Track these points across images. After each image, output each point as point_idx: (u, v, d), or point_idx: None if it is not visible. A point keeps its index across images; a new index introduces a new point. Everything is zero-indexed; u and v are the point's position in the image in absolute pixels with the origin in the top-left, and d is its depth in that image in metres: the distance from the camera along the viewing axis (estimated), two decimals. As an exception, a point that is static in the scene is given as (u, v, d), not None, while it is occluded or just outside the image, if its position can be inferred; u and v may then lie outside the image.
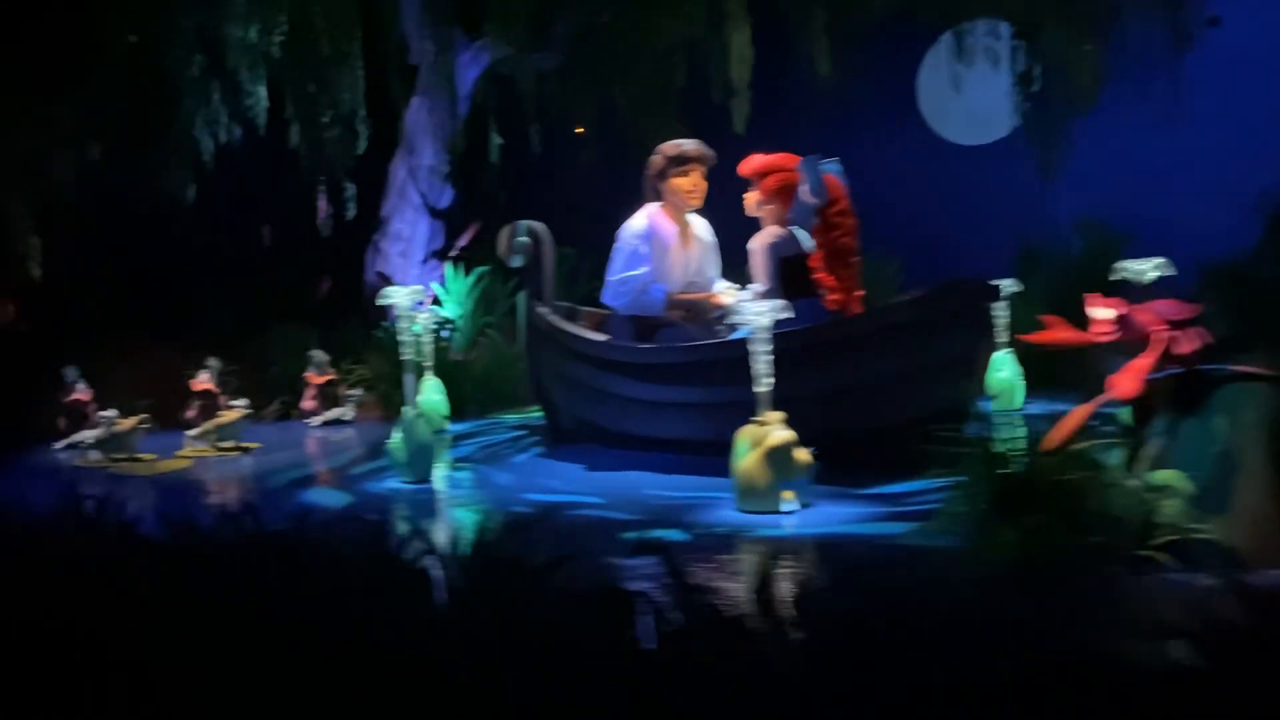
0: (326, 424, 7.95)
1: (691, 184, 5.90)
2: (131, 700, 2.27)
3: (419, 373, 5.94)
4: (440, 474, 5.73)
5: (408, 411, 5.57)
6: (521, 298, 6.83)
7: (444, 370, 7.43)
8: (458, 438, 7.00)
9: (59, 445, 7.29)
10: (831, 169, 5.60)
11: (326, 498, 5.63)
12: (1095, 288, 8.70)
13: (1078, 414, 3.36)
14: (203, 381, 7.88)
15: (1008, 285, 6.58)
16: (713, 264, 6.26)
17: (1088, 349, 3.66)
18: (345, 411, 8.02)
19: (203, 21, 8.21)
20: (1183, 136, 8.77)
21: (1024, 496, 3.29)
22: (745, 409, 5.30)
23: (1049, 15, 7.34)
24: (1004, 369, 6.84)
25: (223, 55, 8.20)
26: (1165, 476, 3.31)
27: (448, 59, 8.53)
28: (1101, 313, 3.50)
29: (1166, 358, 3.46)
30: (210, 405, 7.79)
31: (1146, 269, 5.08)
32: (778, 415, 4.53)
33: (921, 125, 10.20)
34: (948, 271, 6.74)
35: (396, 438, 5.54)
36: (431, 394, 7.28)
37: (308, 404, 8.19)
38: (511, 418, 7.78)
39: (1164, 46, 7.23)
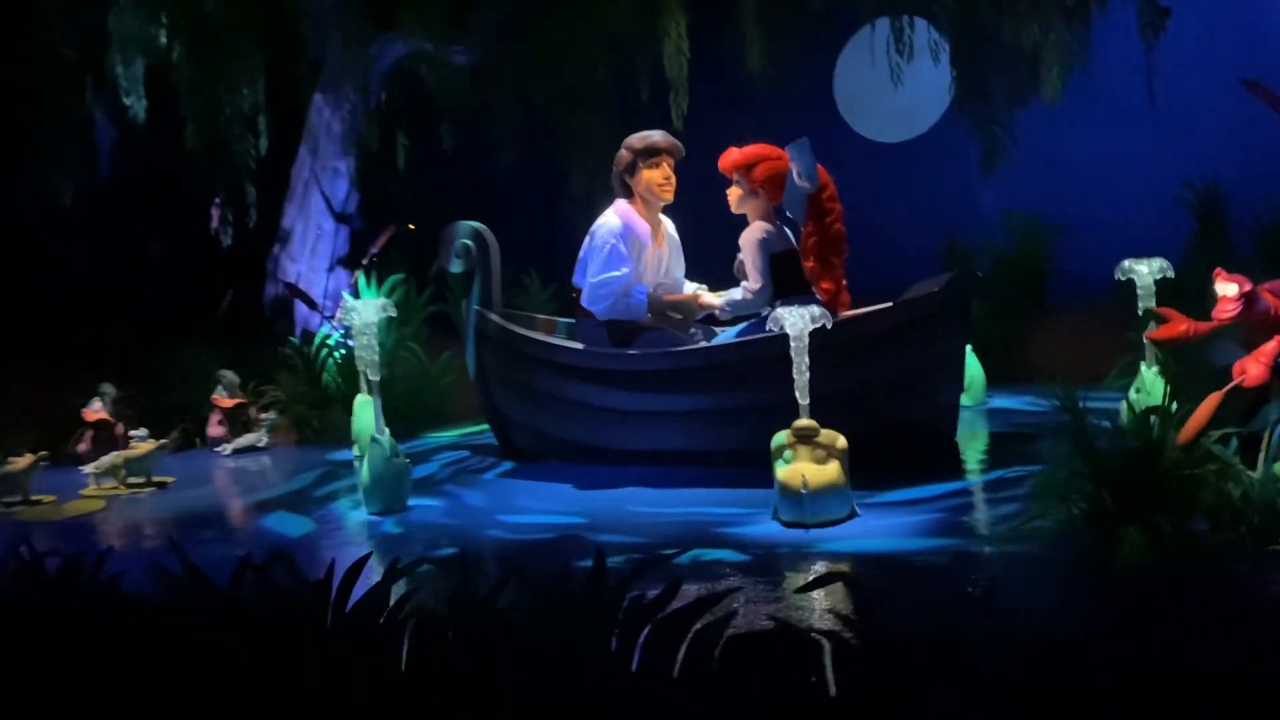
0: (238, 452, 7.21)
1: (663, 176, 5.57)
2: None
3: (375, 392, 5.36)
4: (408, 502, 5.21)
5: (378, 438, 5.02)
6: (468, 306, 6.26)
7: (358, 387, 6.87)
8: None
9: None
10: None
11: (304, 537, 5.00)
12: (1027, 281, 8.78)
13: (1208, 404, 3.13)
14: (96, 411, 7.07)
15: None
16: (679, 264, 5.91)
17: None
18: (259, 437, 7.30)
19: (78, 11, 7.35)
20: (1106, 131, 8.89)
21: (1152, 495, 3.02)
22: (751, 415, 4.99)
23: (987, 6, 7.23)
24: (970, 364, 6.71)
25: (103, 48, 7.36)
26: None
27: (355, 52, 7.88)
28: (1228, 288, 3.28)
29: None
30: (106, 437, 6.98)
31: (1148, 270, 4.95)
32: (811, 422, 4.19)
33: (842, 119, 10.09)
34: (875, 267, 6.62)
35: (365, 466, 4.99)
36: (364, 416, 6.70)
37: (214, 430, 7.42)
38: (445, 436, 7.22)
39: (1105, 38, 7.23)
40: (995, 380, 6.87)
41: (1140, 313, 4.98)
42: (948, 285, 4.91)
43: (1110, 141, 8.92)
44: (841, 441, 4.16)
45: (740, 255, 5.52)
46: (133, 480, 6.18)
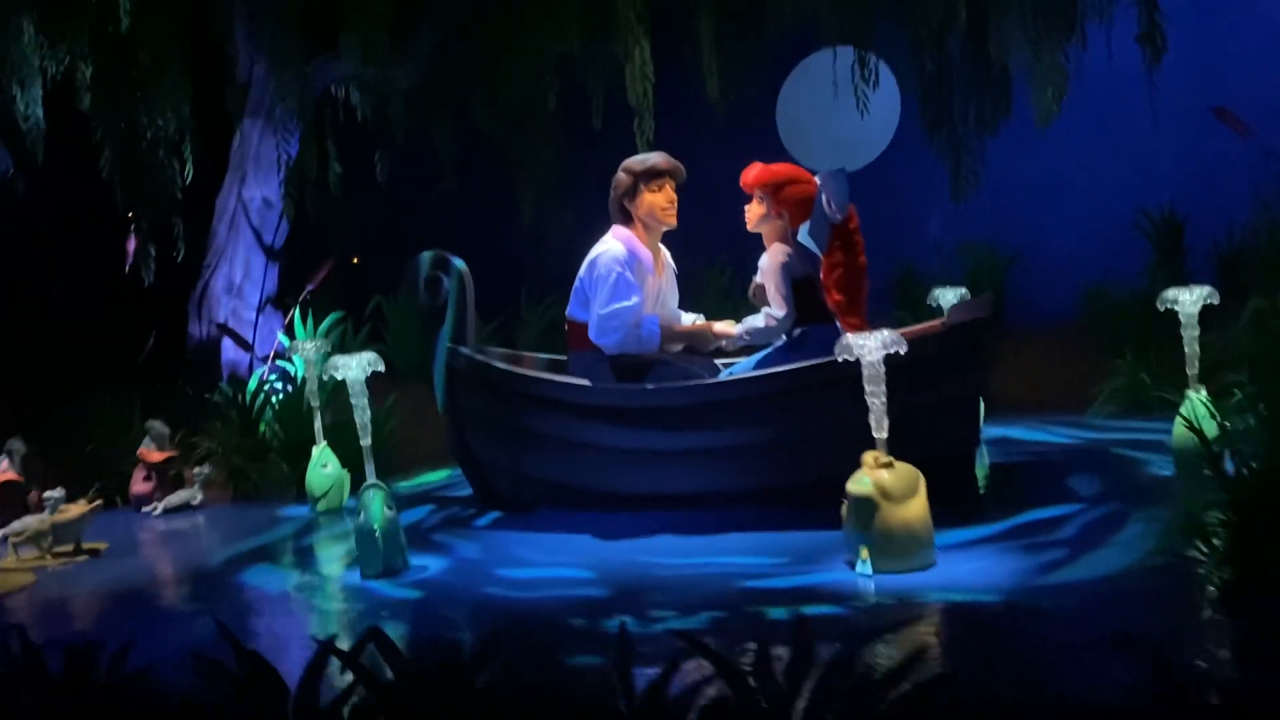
0: (170, 511, 6.47)
1: (667, 199, 5.20)
2: None
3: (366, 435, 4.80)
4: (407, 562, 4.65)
5: (373, 492, 4.47)
6: (438, 343, 5.70)
7: (300, 435, 6.27)
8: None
9: None
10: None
11: (315, 610, 4.40)
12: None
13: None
14: (3, 470, 6.23)
15: (950, 297, 6.27)
16: (674, 293, 5.53)
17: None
18: (192, 494, 6.57)
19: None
20: (1057, 156, 8.87)
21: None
22: (787, 450, 4.67)
23: (954, 31, 7.09)
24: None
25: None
26: None
27: (285, 75, 7.27)
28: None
29: None
30: (14, 499, 6.16)
31: (1191, 299, 4.78)
32: (879, 455, 3.84)
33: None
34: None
35: (361, 522, 4.42)
36: (322, 467, 6.10)
37: (139, 487, 6.67)
38: (402, 485, 6.63)
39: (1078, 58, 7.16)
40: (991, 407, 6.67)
41: (1185, 345, 4.78)
42: (984, 312, 4.70)
43: (1064, 167, 8.91)
44: (921, 479, 3.83)
45: (757, 279, 5.18)
46: (59, 549, 5.43)
